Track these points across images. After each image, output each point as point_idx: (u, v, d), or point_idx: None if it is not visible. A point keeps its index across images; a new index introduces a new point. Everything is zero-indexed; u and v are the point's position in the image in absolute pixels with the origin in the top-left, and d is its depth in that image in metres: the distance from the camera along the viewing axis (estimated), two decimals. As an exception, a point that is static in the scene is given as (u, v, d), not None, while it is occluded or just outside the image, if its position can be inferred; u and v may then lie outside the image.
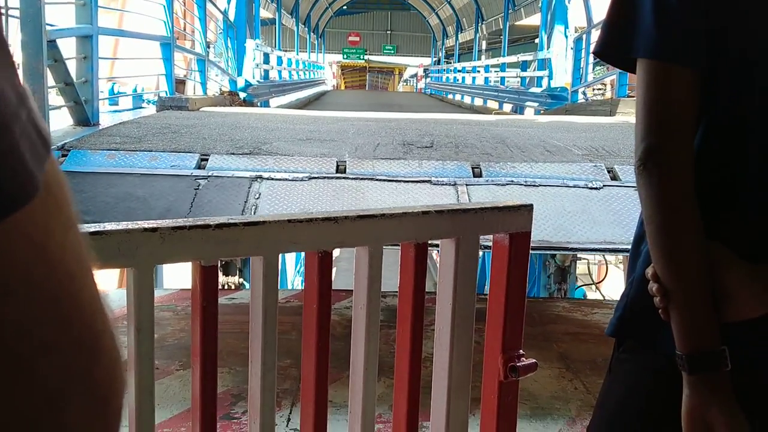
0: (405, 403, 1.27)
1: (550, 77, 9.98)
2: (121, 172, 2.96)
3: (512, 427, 1.33)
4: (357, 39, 39.00)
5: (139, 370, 1.03)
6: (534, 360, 1.30)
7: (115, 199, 2.71)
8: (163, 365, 2.70)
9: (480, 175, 3.04)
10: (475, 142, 3.86)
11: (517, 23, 20.78)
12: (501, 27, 19.43)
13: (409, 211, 1.21)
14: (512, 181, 2.94)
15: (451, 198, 2.80)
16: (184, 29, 8.42)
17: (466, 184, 2.91)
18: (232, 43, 9.52)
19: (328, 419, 1.22)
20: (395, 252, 1.32)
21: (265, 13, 16.01)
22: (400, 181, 2.94)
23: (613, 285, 7.23)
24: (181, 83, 7.49)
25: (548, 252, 4.16)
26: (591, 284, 7.13)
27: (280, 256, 1.16)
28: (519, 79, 13.12)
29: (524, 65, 12.72)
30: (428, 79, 29.61)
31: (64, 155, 3.11)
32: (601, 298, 6.14)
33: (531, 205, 1.28)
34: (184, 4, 8.00)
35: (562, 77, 9.51)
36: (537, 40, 12.41)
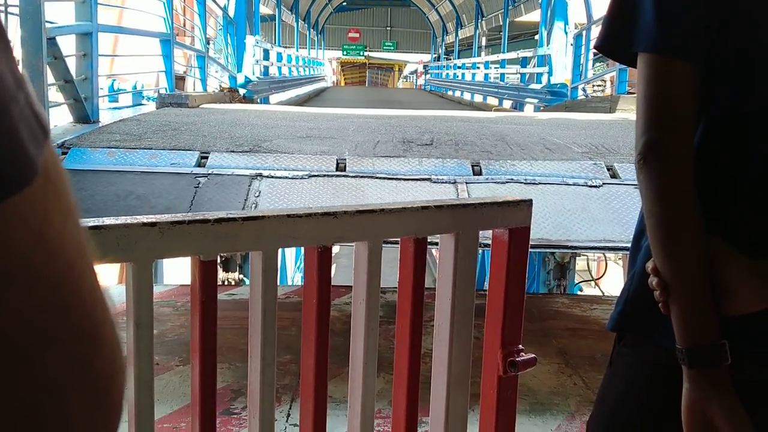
0: (404, 398, 1.27)
1: (549, 74, 9.96)
2: (121, 170, 2.97)
3: (511, 422, 1.33)
4: (357, 35, 38.93)
5: (139, 365, 1.03)
6: (533, 355, 1.30)
7: (115, 197, 2.71)
8: (162, 361, 2.71)
9: (480, 173, 3.04)
10: (475, 139, 3.86)
11: (517, 19, 20.75)
12: (501, 23, 19.40)
13: (409, 206, 1.21)
14: (512, 179, 2.94)
15: (450, 196, 2.81)
16: (184, 25, 8.40)
17: (466, 183, 2.91)
18: (232, 40, 9.51)
19: (327, 414, 1.23)
20: (394, 248, 1.33)
21: (264, 9, 15.98)
22: (400, 179, 2.94)
23: (612, 281, 7.24)
24: (180, 79, 7.48)
25: (548, 250, 4.17)
26: (590, 280, 7.13)
27: (279, 251, 1.16)
28: (519, 76, 13.10)
29: (524, 62, 12.70)
30: (428, 76, 29.59)
31: (64, 153, 3.11)
32: (600, 294, 6.14)
33: (530, 200, 1.28)
34: (184, 0, 7.99)
35: (562, 74, 9.49)
36: (537, 37, 12.40)
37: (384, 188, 2.86)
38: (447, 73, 22.49)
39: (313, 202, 2.73)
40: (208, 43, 8.54)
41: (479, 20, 23.13)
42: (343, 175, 2.97)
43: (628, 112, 6.31)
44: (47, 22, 3.54)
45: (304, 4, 25.09)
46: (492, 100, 13.46)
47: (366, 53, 40.42)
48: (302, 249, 1.20)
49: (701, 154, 0.84)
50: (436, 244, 1.30)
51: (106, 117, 4.48)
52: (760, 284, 0.82)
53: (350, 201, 2.73)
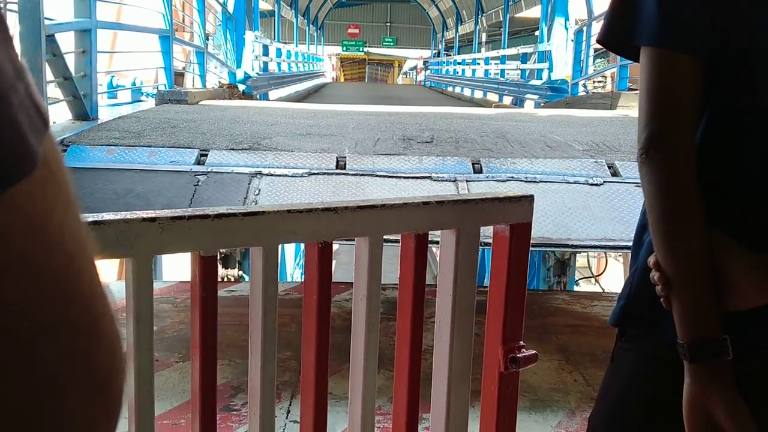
0: (405, 395, 1.26)
1: (550, 69, 9.95)
2: (120, 167, 2.96)
3: (512, 419, 1.33)
4: (356, 31, 38.87)
5: (139, 360, 1.03)
6: (534, 351, 1.30)
7: (114, 195, 2.70)
8: (162, 357, 2.71)
9: (480, 171, 3.04)
10: (476, 137, 3.85)
11: (518, 15, 20.72)
12: (501, 19, 19.37)
13: (410, 202, 1.21)
14: (512, 177, 2.93)
15: (451, 194, 2.80)
16: (183, 21, 8.39)
17: (467, 180, 2.91)
18: (231, 35, 9.49)
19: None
20: (393, 245, 1.32)
21: (264, 5, 15.95)
22: (400, 177, 2.94)
23: (612, 278, 7.24)
24: (179, 75, 7.47)
25: (548, 249, 4.17)
26: (590, 277, 7.13)
27: (279, 247, 1.16)
28: (519, 72, 13.09)
29: (524, 57, 12.68)
30: (428, 72, 29.56)
31: (63, 150, 3.11)
32: (601, 290, 6.14)
33: (532, 196, 1.28)
34: (183, -4, 7.97)
35: (563, 70, 9.48)
36: (537, 33, 12.37)
37: (384, 186, 2.86)
38: (447, 69, 22.46)
39: (312, 201, 2.73)
40: (207, 39, 8.53)
41: (479, 16, 23.09)
42: (343, 173, 2.97)
43: (629, 108, 6.30)
44: (46, 18, 3.53)
45: (303, 0, 25.05)
46: (492, 96, 13.45)
47: (365, 49, 40.37)
48: (302, 245, 1.20)
49: (703, 149, 0.83)
50: (437, 242, 1.30)
51: (105, 114, 4.48)
52: (762, 279, 0.82)
53: (350, 199, 2.73)
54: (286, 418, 2.32)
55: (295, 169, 2.96)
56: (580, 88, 8.98)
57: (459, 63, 20.27)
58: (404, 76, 45.58)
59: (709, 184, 0.83)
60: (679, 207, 0.81)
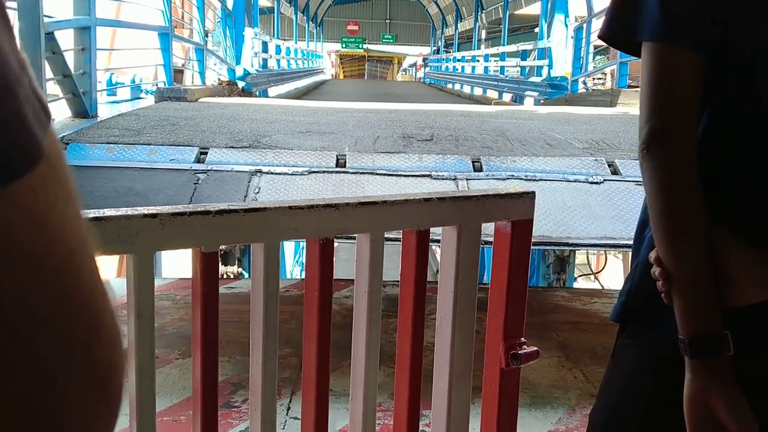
0: (406, 391, 1.26)
1: (550, 67, 9.94)
2: (120, 166, 2.96)
3: (513, 415, 1.33)
4: (356, 28, 38.81)
5: (140, 357, 1.02)
6: (535, 348, 1.30)
7: (114, 193, 2.70)
8: (162, 354, 2.71)
9: (480, 170, 3.03)
10: (476, 134, 3.85)
11: (517, 12, 20.70)
12: (501, 16, 19.34)
13: (411, 198, 1.21)
14: (513, 175, 2.93)
15: (451, 192, 2.80)
16: (182, 18, 8.37)
17: (467, 179, 2.91)
18: (231, 32, 9.48)
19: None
20: (394, 243, 1.32)
21: (263, 2, 15.91)
22: (400, 175, 2.94)
23: (612, 275, 7.25)
24: (179, 72, 7.46)
25: (548, 247, 4.17)
26: (590, 274, 7.13)
27: (280, 243, 1.16)
28: (519, 69, 13.07)
29: (524, 54, 12.66)
30: (427, 69, 29.52)
31: (62, 148, 3.10)
32: (600, 287, 6.15)
33: (533, 193, 1.28)
34: (182, -7, 7.95)
35: (562, 67, 9.47)
36: (537, 30, 12.36)
37: (384, 185, 2.86)
38: (446, 66, 22.43)
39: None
40: (207, 36, 8.51)
41: (479, 13, 23.06)
42: (343, 171, 2.97)
43: (629, 106, 6.29)
44: (45, 16, 3.52)
45: (303, -3, 25.00)
46: (492, 93, 13.44)
47: (365, 46, 40.31)
48: (301, 243, 1.20)
49: (704, 145, 0.83)
50: (438, 241, 1.30)
51: (104, 111, 4.47)
52: (763, 274, 0.82)
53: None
54: (287, 414, 2.32)
55: (295, 168, 2.95)
56: (580, 85, 8.98)
57: (458, 60, 20.25)
58: (404, 73, 45.53)
59: (709, 180, 0.83)
60: (679, 202, 0.81)
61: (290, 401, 2.41)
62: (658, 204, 0.82)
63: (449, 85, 19.40)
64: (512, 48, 13.84)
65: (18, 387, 0.25)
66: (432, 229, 1.25)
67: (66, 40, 4.09)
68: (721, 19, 0.81)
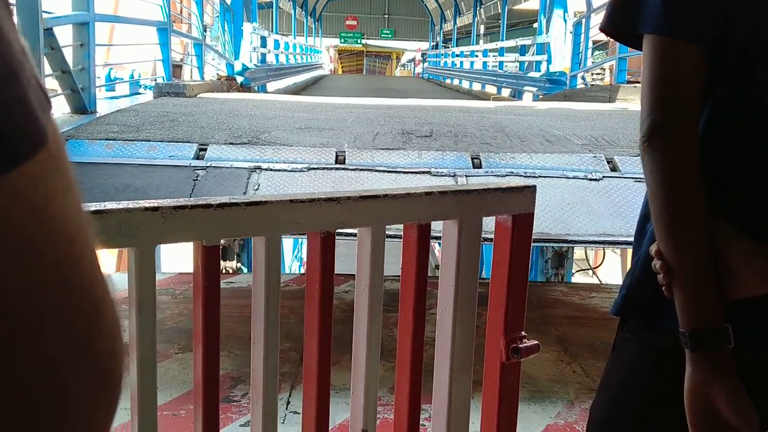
0: (407, 385, 1.27)
1: (548, 62, 9.93)
2: (119, 162, 2.95)
3: (514, 409, 1.33)
4: (354, 23, 38.70)
5: (141, 350, 1.02)
6: (536, 341, 1.30)
7: (113, 190, 2.70)
8: (162, 349, 2.71)
9: (479, 166, 3.04)
10: (475, 131, 3.85)
11: (516, 7, 20.65)
12: (499, 11, 19.29)
13: (412, 192, 1.21)
14: (512, 172, 2.93)
15: (450, 189, 2.79)
16: (181, 13, 8.35)
17: (466, 176, 2.91)
18: (229, 27, 9.46)
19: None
20: (395, 240, 1.32)
21: (261, -3, 15.85)
22: (399, 171, 2.94)
23: (610, 270, 7.26)
24: (177, 67, 7.44)
25: (547, 244, 4.18)
26: (588, 269, 7.15)
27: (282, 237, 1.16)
28: (517, 64, 13.05)
29: (523, 50, 12.65)
30: (426, 64, 29.47)
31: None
32: (599, 282, 6.16)
33: (534, 187, 1.28)
34: (181, -13, 7.93)
35: (561, 62, 9.46)
36: (536, 25, 12.34)
37: (383, 181, 2.86)
38: (445, 62, 22.39)
39: (312, 196, 2.72)
40: (205, 31, 8.49)
41: (478, 8, 23.00)
42: (343, 168, 2.97)
43: (627, 101, 6.29)
44: (44, 12, 3.52)
45: (301, -9, 24.91)
46: (490, 89, 13.42)
47: (363, 41, 40.21)
48: (300, 238, 1.20)
49: (705, 139, 0.83)
50: (438, 238, 1.30)
51: (103, 107, 4.47)
52: (763, 267, 0.82)
53: (350, 194, 2.72)
54: (286, 408, 2.33)
55: (295, 164, 2.95)
56: (579, 81, 8.97)
57: (457, 55, 20.21)
58: (402, 68, 45.44)
59: (710, 174, 0.83)
60: (681, 195, 0.81)
61: (290, 395, 2.42)
62: (659, 197, 0.81)
63: (448, 81, 19.37)
64: (511, 43, 13.83)
65: (19, 377, 0.24)
66: (432, 226, 1.25)
67: (65, 36, 4.08)
68: (723, 15, 0.81)
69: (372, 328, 1.21)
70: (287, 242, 7.84)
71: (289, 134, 3.54)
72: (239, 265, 5.73)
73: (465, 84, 16.58)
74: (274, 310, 1.12)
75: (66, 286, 0.26)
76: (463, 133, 3.73)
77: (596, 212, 2.66)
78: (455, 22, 27.41)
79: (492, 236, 1.30)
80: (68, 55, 4.06)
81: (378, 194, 1.17)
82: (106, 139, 3.19)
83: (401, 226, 1.23)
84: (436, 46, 33.24)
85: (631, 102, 6.18)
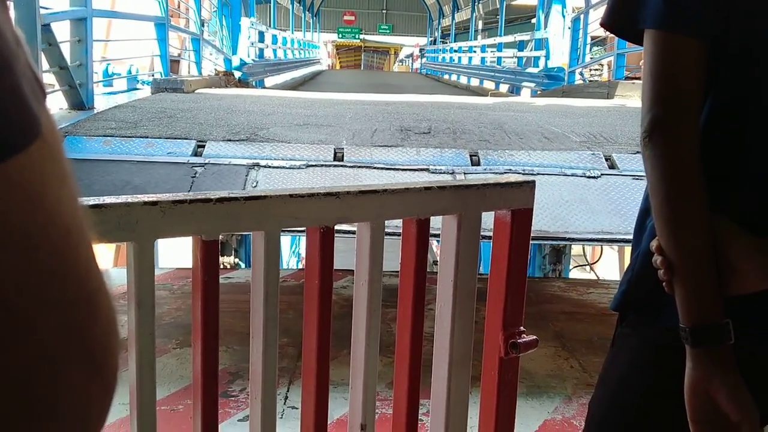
0: (406, 380, 1.27)
1: (547, 57, 9.92)
2: (117, 159, 2.95)
3: (512, 404, 1.33)
4: (352, 18, 38.61)
5: (141, 345, 1.02)
6: (535, 337, 1.30)
7: (112, 186, 2.70)
8: (160, 344, 2.71)
9: (478, 164, 3.04)
10: (473, 128, 3.85)
11: (514, 3, 20.62)
12: (498, 6, 19.24)
13: (411, 187, 1.21)
14: (510, 169, 2.94)
15: (449, 186, 2.80)
16: (178, 7, 8.32)
17: (464, 173, 2.91)
18: (227, 22, 9.44)
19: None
20: (394, 238, 1.32)
21: (259, -8, 15.79)
22: (398, 169, 2.94)
23: (607, 266, 7.28)
24: (175, 62, 7.43)
25: (546, 242, 4.19)
26: (585, 265, 7.16)
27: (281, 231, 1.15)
28: (516, 60, 13.04)
29: (521, 45, 12.63)
30: (424, 59, 29.41)
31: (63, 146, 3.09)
32: (596, 278, 6.18)
33: (533, 182, 1.28)
34: (178, -18, 7.90)
35: (559, 58, 9.45)
36: (534, 20, 12.32)
37: (382, 179, 2.86)
38: (443, 57, 22.36)
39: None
40: (203, 26, 8.46)
41: (476, 3, 22.95)
42: (341, 165, 2.97)
43: (626, 98, 6.29)
44: (41, 8, 3.51)
45: (299, -14, 24.82)
46: (489, 84, 13.41)
47: (361, 36, 40.13)
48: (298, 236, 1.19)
49: (706, 134, 0.83)
50: (437, 236, 1.30)
51: (101, 103, 4.46)
52: (764, 263, 0.82)
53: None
54: (284, 403, 2.33)
55: (293, 161, 2.95)
56: (577, 77, 8.96)
57: (455, 50, 20.18)
58: (400, 63, 45.37)
59: (711, 169, 0.82)
60: (682, 191, 0.81)
61: (288, 391, 2.42)
62: (660, 193, 0.81)
63: (446, 76, 19.35)
64: (509, 39, 13.80)
65: (14, 367, 0.24)
66: (431, 223, 1.25)
67: (62, 31, 4.07)
68: (723, 11, 0.81)
69: (371, 323, 1.21)
70: (285, 237, 7.85)
71: (288, 131, 3.54)
72: (237, 260, 5.73)
73: (463, 80, 16.56)
74: (273, 305, 1.12)
75: (61, 278, 0.26)
76: (461, 130, 3.73)
77: (594, 210, 2.67)
78: (453, 18, 27.36)
79: (491, 234, 1.30)
80: (66, 50, 4.05)
81: (377, 189, 1.17)
82: (104, 136, 3.18)
83: (400, 224, 1.24)
84: (434, 42, 33.18)
85: (630, 98, 6.18)
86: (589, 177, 2.88)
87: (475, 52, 17.06)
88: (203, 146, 3.09)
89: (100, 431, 0.28)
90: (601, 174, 2.90)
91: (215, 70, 8.39)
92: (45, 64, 3.74)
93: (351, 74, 25.36)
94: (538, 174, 2.90)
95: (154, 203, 0.99)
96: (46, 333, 0.25)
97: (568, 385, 2.57)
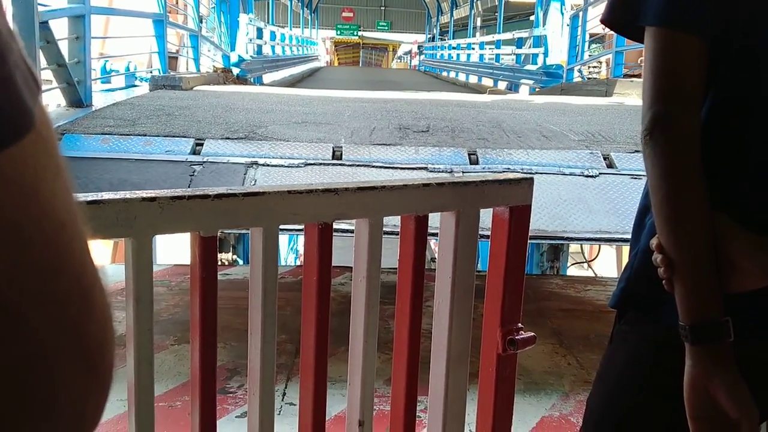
0: (404, 376, 1.27)
1: (545, 55, 9.91)
2: (115, 157, 2.95)
3: (510, 400, 1.34)
4: (350, 15, 38.55)
5: (139, 341, 1.02)
6: (532, 333, 1.30)
7: (110, 185, 2.70)
8: (157, 340, 2.70)
9: (476, 162, 3.04)
10: (471, 126, 3.85)
11: (513, 0, 20.57)
12: (496, 3, 19.22)
13: (410, 184, 1.21)
14: (509, 168, 2.94)
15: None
16: (176, 4, 8.30)
17: (463, 172, 2.91)
18: (225, 18, 9.42)
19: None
20: (392, 237, 1.33)
21: (258, -12, 15.76)
22: (396, 167, 2.94)
23: (605, 263, 7.30)
24: (173, 59, 7.41)
25: (544, 241, 4.20)
26: (583, 262, 7.17)
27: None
28: (514, 57, 13.04)
29: (519, 42, 12.63)
30: (422, 56, 29.39)
31: (57, 139, 3.09)
32: (594, 275, 6.19)
33: (531, 179, 1.28)
34: (177, -21, 7.88)
35: (558, 55, 9.45)
36: (533, 17, 12.31)
37: (380, 177, 2.86)
38: (442, 54, 22.34)
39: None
40: (201, 22, 8.45)
41: (475, 0, 22.92)
42: (339, 164, 2.97)
43: (624, 96, 6.29)
44: (40, 5, 3.50)
45: (297, -17, 24.78)
46: (487, 81, 13.40)
47: (360, 33, 40.07)
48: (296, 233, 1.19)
49: (706, 132, 0.83)
50: (435, 235, 1.31)
51: (99, 100, 4.46)
52: (764, 260, 0.82)
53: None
54: (282, 400, 2.33)
55: (291, 160, 2.95)
56: (576, 74, 8.96)
57: (454, 48, 20.16)
58: (398, 60, 45.33)
59: (711, 167, 0.82)
60: (682, 188, 0.81)
61: (286, 387, 2.43)
62: (660, 190, 0.81)
63: (444, 73, 19.33)
64: (508, 36, 13.79)
65: (8, 362, 0.24)
66: (429, 221, 1.25)
67: (60, 29, 4.07)
68: (725, 8, 0.81)
69: (369, 320, 1.21)
70: (283, 234, 7.84)
71: (286, 129, 3.54)
72: (235, 257, 5.74)
73: (461, 76, 16.55)
74: (271, 302, 1.12)
75: (55, 272, 0.25)
76: (459, 129, 3.74)
77: (593, 209, 2.67)
78: (452, 15, 27.32)
79: (489, 233, 1.30)
80: (63, 47, 4.05)
81: (376, 185, 1.17)
82: (102, 134, 3.18)
83: (398, 223, 1.24)
84: (433, 39, 33.14)
85: (628, 96, 6.18)
86: (587, 176, 2.89)
87: (473, 49, 17.04)
88: (201, 144, 3.08)
89: (95, 428, 0.28)
90: (600, 173, 2.90)
91: (213, 66, 8.38)
92: (43, 61, 3.74)
93: (349, 71, 25.35)
94: (537, 173, 2.90)
95: (152, 199, 0.99)
96: (40, 328, 0.25)
97: (566, 381, 2.58)
